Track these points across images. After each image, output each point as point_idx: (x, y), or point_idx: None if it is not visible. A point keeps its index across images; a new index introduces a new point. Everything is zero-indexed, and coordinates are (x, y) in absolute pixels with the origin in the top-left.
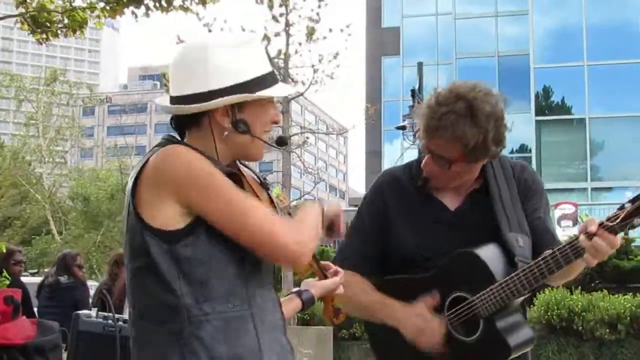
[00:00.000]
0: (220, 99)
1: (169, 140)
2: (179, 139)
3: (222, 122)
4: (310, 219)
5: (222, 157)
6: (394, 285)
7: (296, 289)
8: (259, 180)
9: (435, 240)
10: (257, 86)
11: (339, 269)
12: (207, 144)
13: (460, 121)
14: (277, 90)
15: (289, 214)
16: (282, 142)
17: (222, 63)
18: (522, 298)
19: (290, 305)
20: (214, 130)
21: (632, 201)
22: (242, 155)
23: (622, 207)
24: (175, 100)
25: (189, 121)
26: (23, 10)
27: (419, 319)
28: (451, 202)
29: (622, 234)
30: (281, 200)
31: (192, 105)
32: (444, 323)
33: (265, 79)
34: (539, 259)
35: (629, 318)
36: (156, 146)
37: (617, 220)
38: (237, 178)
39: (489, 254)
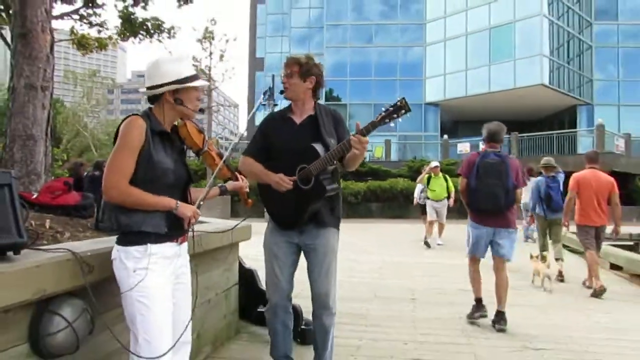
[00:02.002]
0: (163, 88)
1: (144, 112)
2: (150, 107)
3: (169, 99)
4: (147, 198)
5: (169, 118)
6: (272, 165)
7: (220, 184)
8: (198, 128)
9: (290, 140)
10: (185, 81)
11: (243, 177)
12: (160, 111)
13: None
14: (197, 83)
15: (219, 154)
16: (201, 110)
17: (166, 69)
18: (332, 167)
19: (214, 191)
20: (164, 104)
21: (380, 115)
22: (184, 115)
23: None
24: (147, 89)
25: (154, 99)
26: (72, 37)
27: (278, 177)
28: (298, 120)
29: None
30: (211, 143)
31: (152, 91)
32: (294, 178)
33: (190, 77)
34: (336, 146)
35: (362, 193)
36: (136, 113)
37: (362, 128)
38: (165, 133)
39: (317, 145)
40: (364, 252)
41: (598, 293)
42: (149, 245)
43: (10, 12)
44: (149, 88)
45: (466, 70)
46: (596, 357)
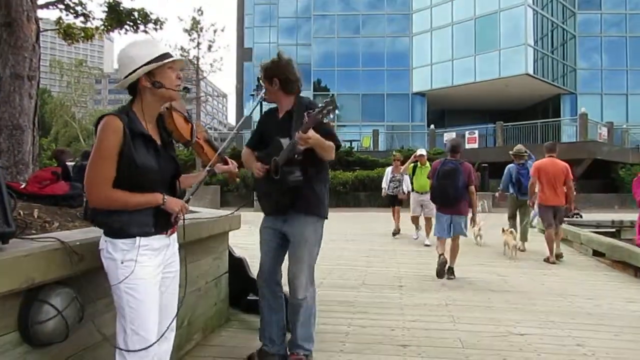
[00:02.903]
0: (137, 72)
1: (122, 108)
2: (131, 101)
3: (146, 84)
4: (132, 199)
5: (150, 107)
6: (262, 155)
7: (207, 168)
8: (184, 117)
9: (272, 133)
10: (159, 59)
11: (232, 161)
12: (140, 104)
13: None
14: (167, 59)
15: (207, 140)
16: (186, 89)
17: (137, 53)
18: (298, 158)
19: (202, 174)
20: (143, 93)
21: (314, 112)
22: (166, 99)
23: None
24: (123, 79)
25: (133, 90)
26: (58, 27)
27: (257, 165)
28: (280, 115)
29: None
30: (199, 127)
31: (126, 79)
32: (267, 168)
33: (162, 57)
34: (289, 142)
35: (350, 182)
36: (114, 112)
37: (302, 127)
38: (144, 135)
39: (284, 139)
40: (352, 241)
41: (550, 262)
42: (137, 238)
43: None
44: (124, 78)
45: (452, 60)
46: (578, 342)
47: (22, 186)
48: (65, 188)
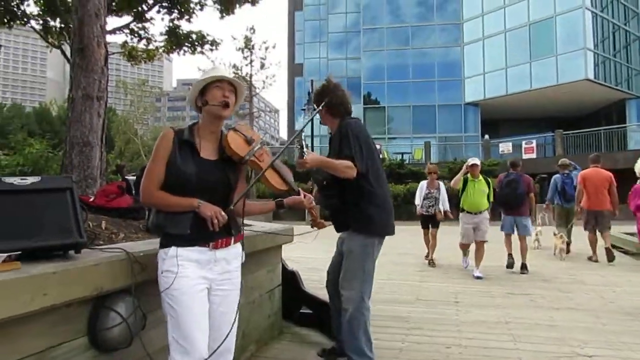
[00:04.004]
0: (191, 92)
1: (188, 126)
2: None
3: (199, 104)
4: (172, 199)
5: (206, 123)
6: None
7: (278, 199)
8: (245, 137)
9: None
10: (203, 81)
11: (306, 194)
12: (200, 120)
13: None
14: (209, 77)
15: (262, 143)
16: (226, 105)
17: (198, 79)
18: (327, 178)
19: (270, 205)
20: (202, 112)
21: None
22: (215, 116)
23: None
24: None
25: (200, 111)
26: (123, 50)
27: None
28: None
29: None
30: (262, 153)
31: (191, 105)
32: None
33: (210, 79)
34: None
35: (402, 195)
36: (171, 127)
37: (299, 155)
38: (189, 142)
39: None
40: (404, 255)
41: (593, 261)
42: (173, 247)
43: (71, 29)
44: (189, 102)
45: (506, 68)
46: None
47: (91, 199)
48: (129, 201)
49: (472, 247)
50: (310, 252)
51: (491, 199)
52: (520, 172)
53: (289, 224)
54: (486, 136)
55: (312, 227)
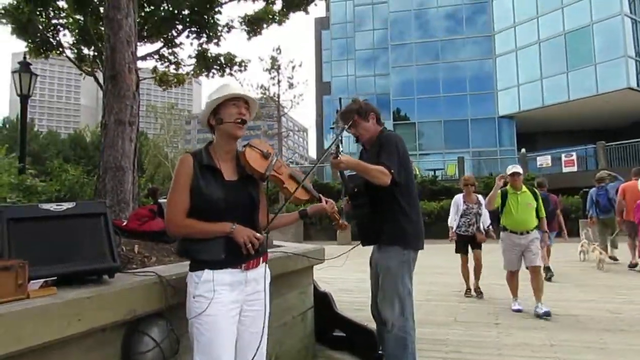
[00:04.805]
0: (203, 115)
1: (199, 148)
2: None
3: (213, 122)
4: (204, 226)
5: (221, 142)
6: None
7: (301, 209)
8: (262, 152)
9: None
10: (217, 100)
11: (328, 199)
12: (214, 141)
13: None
14: (222, 95)
15: (292, 175)
16: (242, 122)
17: (210, 98)
18: (355, 190)
19: (293, 216)
20: (215, 131)
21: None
22: (230, 135)
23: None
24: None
25: (212, 131)
26: (154, 75)
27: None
28: (365, 149)
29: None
30: (279, 165)
31: (204, 123)
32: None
33: (223, 97)
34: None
35: (436, 212)
36: (191, 151)
37: (334, 155)
38: (211, 167)
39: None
40: (441, 274)
41: (632, 264)
42: (206, 271)
43: (103, 57)
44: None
45: (541, 80)
46: None
47: (124, 223)
48: (161, 224)
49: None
50: (342, 273)
51: (542, 214)
52: (546, 191)
53: (319, 244)
54: (522, 150)
55: (335, 228)
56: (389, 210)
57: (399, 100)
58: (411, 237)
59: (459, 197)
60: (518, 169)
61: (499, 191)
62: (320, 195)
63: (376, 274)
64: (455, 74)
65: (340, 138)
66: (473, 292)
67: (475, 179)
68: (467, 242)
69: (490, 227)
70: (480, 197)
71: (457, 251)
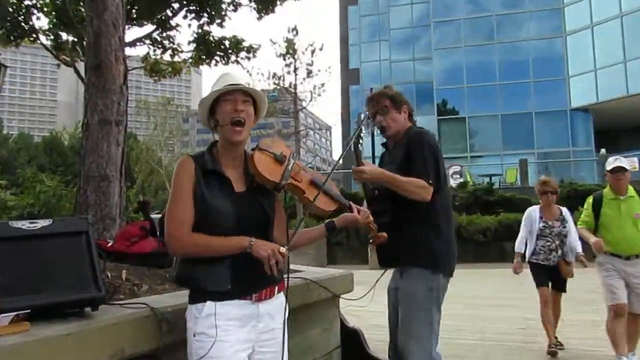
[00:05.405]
0: (200, 112)
1: (203, 150)
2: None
3: (210, 125)
4: (214, 242)
5: (223, 147)
6: None
7: (328, 221)
8: (274, 156)
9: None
10: (210, 97)
11: (360, 208)
12: (218, 143)
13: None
14: (215, 91)
15: (313, 181)
16: (239, 122)
17: (204, 97)
18: (375, 192)
19: (319, 230)
20: (215, 132)
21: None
22: (228, 140)
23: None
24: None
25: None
26: (145, 64)
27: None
28: (389, 146)
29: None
30: (296, 172)
31: (203, 124)
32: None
33: (219, 90)
34: None
35: (493, 229)
36: (192, 154)
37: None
38: (217, 173)
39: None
40: (500, 307)
41: None
42: (208, 303)
43: (85, 43)
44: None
45: (625, 62)
46: None
47: (110, 244)
48: (153, 245)
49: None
50: (374, 304)
51: None
52: None
53: (347, 268)
54: (602, 150)
55: (370, 242)
56: (416, 221)
57: (445, 90)
58: (443, 258)
59: (533, 211)
60: (623, 163)
61: (590, 198)
62: (351, 203)
63: (396, 303)
64: (515, 56)
65: (360, 128)
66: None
67: (557, 184)
68: (547, 273)
69: (582, 252)
70: (565, 210)
71: (538, 284)
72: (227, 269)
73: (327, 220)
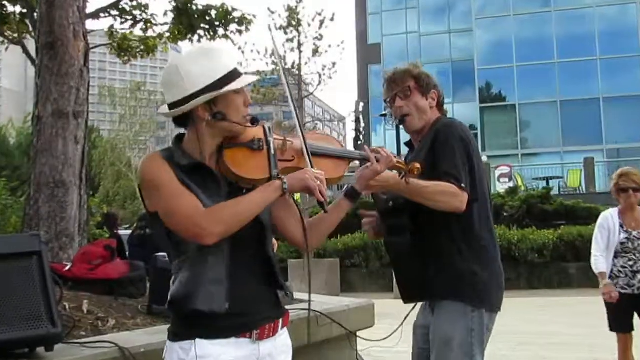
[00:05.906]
0: (192, 102)
1: (167, 148)
2: (180, 136)
3: (204, 116)
4: (246, 200)
5: (209, 143)
6: None
7: (346, 188)
8: (250, 148)
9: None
10: (223, 83)
11: (372, 151)
12: (194, 138)
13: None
14: (238, 83)
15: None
16: (254, 121)
17: (191, 73)
18: (390, 204)
19: (337, 208)
20: (197, 124)
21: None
22: (231, 133)
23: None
24: (169, 107)
25: (184, 120)
26: (110, 41)
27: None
28: (415, 144)
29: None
30: (279, 138)
31: (175, 110)
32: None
33: (230, 76)
34: None
35: (552, 246)
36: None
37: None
38: (199, 166)
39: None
40: (562, 345)
41: None
42: (197, 341)
43: (36, 16)
44: (171, 106)
45: None
46: None
47: (67, 268)
48: (122, 269)
49: None
50: (403, 343)
51: None
52: None
53: (366, 296)
54: None
55: (402, 177)
56: (447, 240)
57: (489, 70)
58: (487, 288)
59: (611, 216)
60: None
61: None
62: (364, 150)
63: (425, 345)
64: (577, 28)
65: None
66: None
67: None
68: (631, 307)
69: None
70: None
71: (612, 328)
72: (222, 286)
73: (344, 188)
